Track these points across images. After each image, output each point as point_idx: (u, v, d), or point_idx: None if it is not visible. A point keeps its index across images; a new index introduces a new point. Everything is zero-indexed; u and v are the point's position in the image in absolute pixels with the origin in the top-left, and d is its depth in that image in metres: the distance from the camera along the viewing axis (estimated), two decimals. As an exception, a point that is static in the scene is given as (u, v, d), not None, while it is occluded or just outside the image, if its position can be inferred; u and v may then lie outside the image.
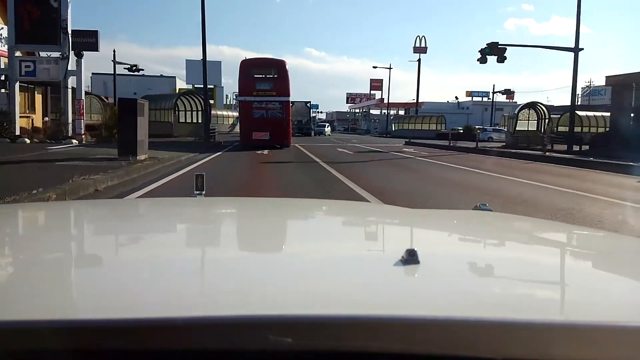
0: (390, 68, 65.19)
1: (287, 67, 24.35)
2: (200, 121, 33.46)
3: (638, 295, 0.80)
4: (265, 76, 23.76)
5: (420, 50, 65.77)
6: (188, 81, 64.37)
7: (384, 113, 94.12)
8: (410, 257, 0.78)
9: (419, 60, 64.64)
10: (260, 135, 22.52)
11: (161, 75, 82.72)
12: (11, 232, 1.19)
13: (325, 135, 54.24)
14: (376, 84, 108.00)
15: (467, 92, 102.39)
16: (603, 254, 1.14)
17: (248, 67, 23.93)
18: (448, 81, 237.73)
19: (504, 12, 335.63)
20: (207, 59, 28.06)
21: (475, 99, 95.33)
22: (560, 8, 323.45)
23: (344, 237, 1.23)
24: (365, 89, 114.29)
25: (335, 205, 2.20)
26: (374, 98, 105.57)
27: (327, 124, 58.48)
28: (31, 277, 0.77)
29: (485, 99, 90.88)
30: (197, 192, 1.79)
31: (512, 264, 0.99)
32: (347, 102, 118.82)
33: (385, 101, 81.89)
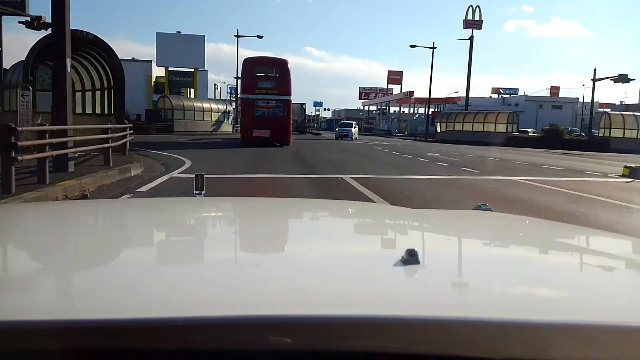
0: (433, 48, 48.36)
1: (289, 66, 24.05)
2: (108, 111, 15.95)
3: (638, 295, 0.80)
4: (267, 75, 23.45)
5: (472, 24, 48.90)
6: (160, 62, 47.35)
7: (415, 112, 77.68)
8: (410, 257, 0.78)
9: (470, 38, 47.84)
10: (261, 132, 22.40)
11: (133, 58, 65.51)
12: (11, 232, 1.17)
13: (352, 138, 37.46)
14: (394, 77, 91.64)
15: (493, 88, 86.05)
16: (603, 254, 1.15)
17: (251, 66, 23.54)
18: (446, 82, 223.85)
19: (504, 13, 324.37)
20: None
21: (502, 96, 79.59)
22: (560, 10, 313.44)
23: (344, 237, 1.23)
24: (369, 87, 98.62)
25: (336, 206, 2.18)
26: (391, 93, 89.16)
27: (353, 124, 41.73)
28: (31, 277, 0.78)
29: (502, 96, 75.76)
30: (197, 192, 1.74)
31: (512, 264, 0.99)
32: (359, 98, 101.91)
33: (416, 95, 65.22)
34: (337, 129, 39.97)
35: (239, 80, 24.54)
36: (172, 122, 37.54)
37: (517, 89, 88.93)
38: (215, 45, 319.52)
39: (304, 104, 58.97)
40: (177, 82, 48.46)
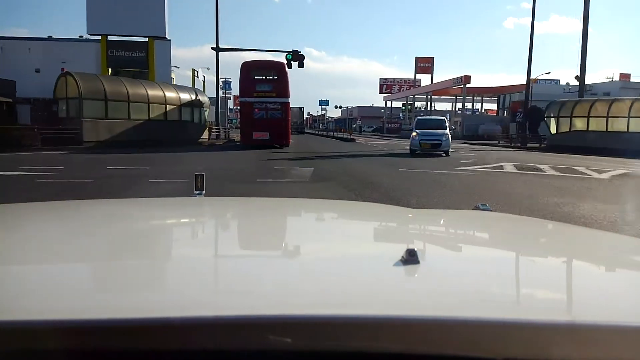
0: (534, 5, 29.85)
1: (286, 69, 24.35)
2: None
3: (638, 295, 0.80)
4: (265, 78, 23.85)
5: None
6: (92, 27, 29.35)
7: (457, 107, 59.62)
8: (410, 257, 0.78)
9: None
10: (260, 135, 22.54)
11: (80, 37, 47.27)
12: (11, 232, 1.18)
13: (447, 153, 18.87)
14: (424, 65, 73.65)
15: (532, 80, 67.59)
16: (603, 254, 1.15)
17: (249, 69, 23.80)
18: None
19: (503, 11, 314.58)
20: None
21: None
22: (560, 7, 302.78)
23: (343, 237, 1.22)
24: (370, 88, 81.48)
25: (336, 205, 2.15)
26: (419, 85, 71.31)
27: (444, 120, 21.64)
28: (31, 277, 0.78)
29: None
30: (197, 192, 1.73)
31: (512, 264, 1.00)
32: (380, 92, 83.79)
33: (499, 81, 46.95)
34: (414, 133, 19.66)
35: (238, 83, 24.08)
36: (79, 123, 19.32)
37: (558, 79, 71.32)
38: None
39: (302, 107, 67.02)
40: (122, 60, 30.23)
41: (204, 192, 1.73)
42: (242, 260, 0.93)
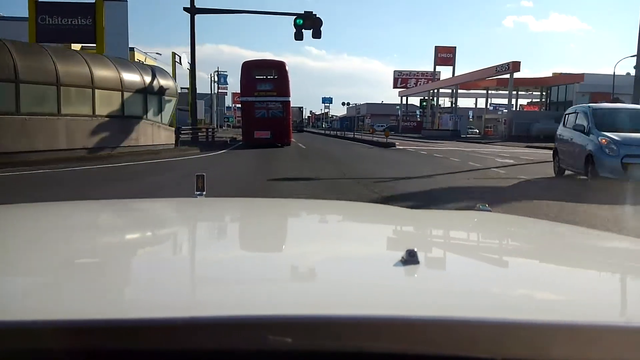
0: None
1: (287, 67, 24.58)
2: None
3: (638, 295, 0.80)
4: (266, 77, 24.11)
5: None
6: None
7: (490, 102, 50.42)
8: (410, 258, 0.78)
9: None
10: (262, 134, 22.81)
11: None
12: (11, 232, 1.18)
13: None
14: (445, 55, 64.56)
15: (553, 73, 58.34)
16: (603, 254, 1.15)
17: (249, 69, 24.13)
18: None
19: (503, 9, 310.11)
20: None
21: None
22: (560, 5, 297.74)
23: (344, 238, 1.23)
24: (371, 86, 73.55)
25: (335, 206, 2.18)
26: (439, 78, 62.42)
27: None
28: (31, 277, 0.79)
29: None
30: (198, 192, 1.73)
31: (512, 264, 1.00)
32: (394, 86, 74.83)
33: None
34: (603, 140, 8.76)
35: (239, 82, 24.28)
36: None
37: (584, 74, 62.37)
38: (215, 46, 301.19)
39: (302, 107, 75.02)
40: (59, 30, 21.17)
41: (204, 193, 1.72)
42: (242, 261, 0.93)
